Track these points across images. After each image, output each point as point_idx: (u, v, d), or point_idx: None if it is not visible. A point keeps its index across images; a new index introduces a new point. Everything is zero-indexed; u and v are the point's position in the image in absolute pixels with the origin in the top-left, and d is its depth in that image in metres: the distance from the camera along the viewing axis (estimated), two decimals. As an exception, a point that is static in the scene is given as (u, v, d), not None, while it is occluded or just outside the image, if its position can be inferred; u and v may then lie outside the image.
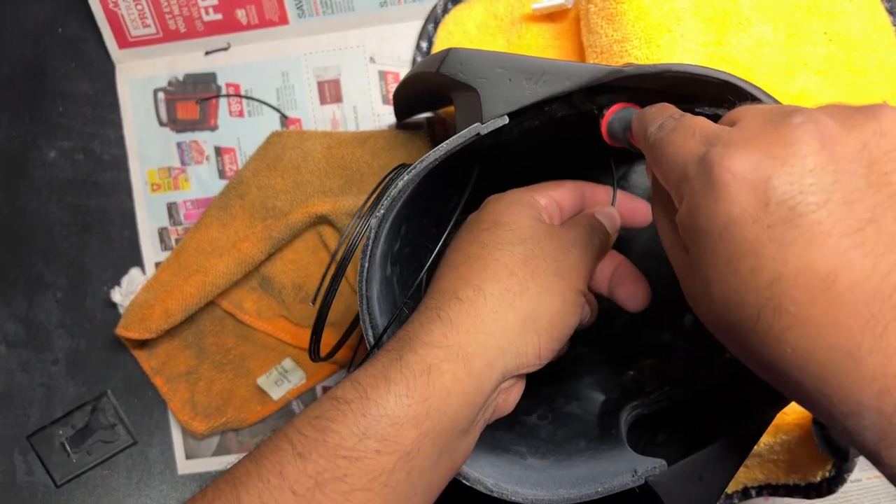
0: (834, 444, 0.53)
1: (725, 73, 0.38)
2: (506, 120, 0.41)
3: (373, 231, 0.41)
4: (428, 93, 0.55)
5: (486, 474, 0.39)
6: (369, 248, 0.41)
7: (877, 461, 0.25)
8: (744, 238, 0.26)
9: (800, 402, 0.27)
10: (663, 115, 0.34)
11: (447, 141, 0.41)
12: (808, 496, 0.60)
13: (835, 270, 0.24)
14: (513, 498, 0.39)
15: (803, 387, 0.26)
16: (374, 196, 0.43)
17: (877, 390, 0.23)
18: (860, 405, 0.24)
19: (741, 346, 0.28)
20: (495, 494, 0.39)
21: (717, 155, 0.28)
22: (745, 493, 0.63)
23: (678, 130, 0.32)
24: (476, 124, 0.41)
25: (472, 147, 0.42)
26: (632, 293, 0.44)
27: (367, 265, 0.41)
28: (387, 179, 0.43)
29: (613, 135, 0.41)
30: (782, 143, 0.27)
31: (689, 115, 0.33)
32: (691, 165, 0.29)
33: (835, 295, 0.24)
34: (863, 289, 0.24)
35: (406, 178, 0.41)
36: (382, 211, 0.41)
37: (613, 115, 0.40)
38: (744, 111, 0.30)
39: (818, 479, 0.59)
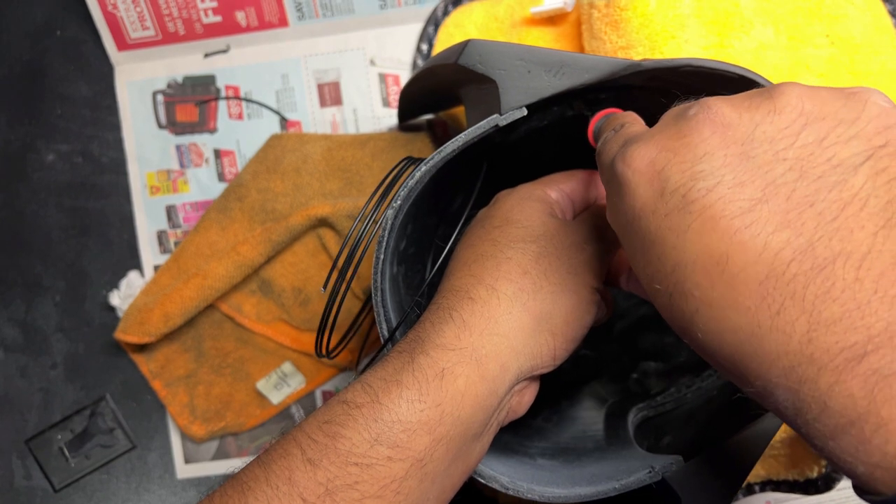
0: None
1: (743, 68, 0.38)
2: (524, 111, 0.41)
3: (389, 222, 0.41)
4: (436, 91, 0.55)
5: (500, 473, 0.39)
6: (385, 238, 0.41)
7: (801, 435, 0.25)
8: (647, 229, 0.27)
9: (733, 382, 0.28)
10: (609, 128, 0.36)
11: (465, 132, 0.40)
12: (807, 492, 0.60)
13: (727, 252, 0.25)
14: (528, 496, 0.39)
15: (724, 368, 0.26)
16: (382, 189, 0.42)
17: (783, 368, 0.23)
18: (771, 384, 0.24)
19: (675, 330, 0.29)
20: (511, 492, 0.39)
21: (621, 155, 0.29)
22: (749, 488, 0.63)
23: (612, 140, 0.33)
24: (494, 115, 0.41)
25: (479, 146, 0.42)
26: None
27: (382, 257, 0.41)
28: (394, 172, 0.43)
29: (598, 141, 0.41)
30: (678, 135, 0.28)
31: (628, 125, 0.34)
32: (609, 169, 0.31)
33: (730, 277, 0.24)
34: (756, 268, 0.24)
35: (424, 168, 0.40)
36: (399, 202, 0.41)
37: (596, 123, 0.40)
38: (665, 113, 0.31)
39: (815, 474, 0.59)
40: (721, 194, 0.25)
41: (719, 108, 0.27)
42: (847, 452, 0.22)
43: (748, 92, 0.28)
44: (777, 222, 0.24)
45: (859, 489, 0.23)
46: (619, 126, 0.35)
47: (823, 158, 0.25)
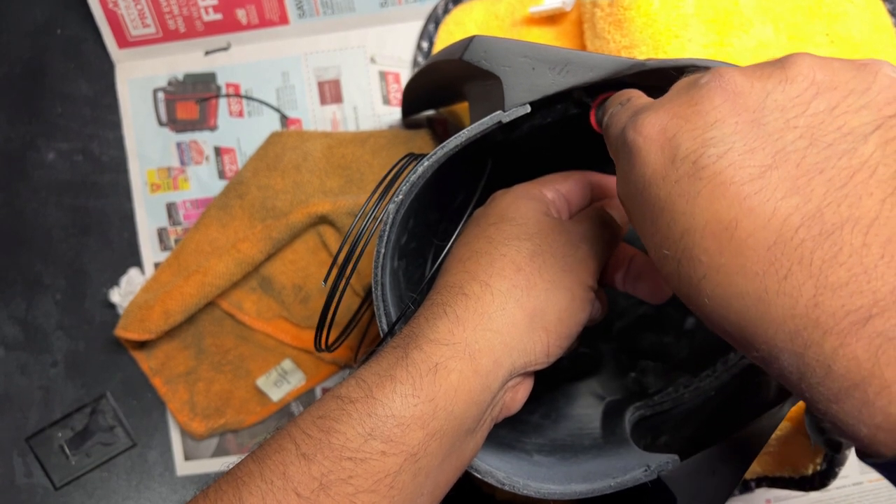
0: (826, 435, 0.53)
1: None
2: (528, 108, 0.41)
3: (391, 216, 0.41)
4: (440, 86, 0.55)
5: (496, 468, 0.39)
6: (386, 233, 0.41)
7: (806, 402, 0.25)
8: (657, 196, 0.28)
9: (737, 348, 0.28)
10: (616, 102, 0.35)
11: (468, 128, 0.40)
12: (802, 489, 0.60)
13: (736, 217, 0.25)
14: (524, 491, 0.39)
15: (729, 333, 0.27)
16: (384, 184, 0.42)
17: (788, 332, 0.24)
18: (776, 348, 0.24)
19: (681, 298, 0.29)
20: (507, 488, 0.39)
21: (632, 123, 0.29)
22: (745, 485, 0.63)
23: (620, 112, 0.33)
24: (498, 112, 0.41)
25: (481, 143, 0.42)
26: (654, 286, 0.44)
27: (383, 251, 0.41)
28: (398, 167, 0.43)
29: (601, 125, 0.41)
30: (690, 103, 0.28)
31: (635, 98, 0.34)
32: (619, 138, 0.31)
33: (739, 242, 0.25)
34: (764, 233, 0.24)
35: (426, 163, 0.40)
36: (401, 196, 0.41)
37: (598, 105, 0.40)
38: (676, 83, 0.31)
39: (810, 472, 0.59)
40: (731, 160, 0.25)
41: (731, 76, 0.27)
42: (850, 415, 0.23)
43: (759, 63, 0.28)
44: (786, 188, 0.24)
45: (861, 453, 0.23)
46: (626, 100, 0.35)
47: (834, 127, 0.25)
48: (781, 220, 0.24)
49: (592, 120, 0.40)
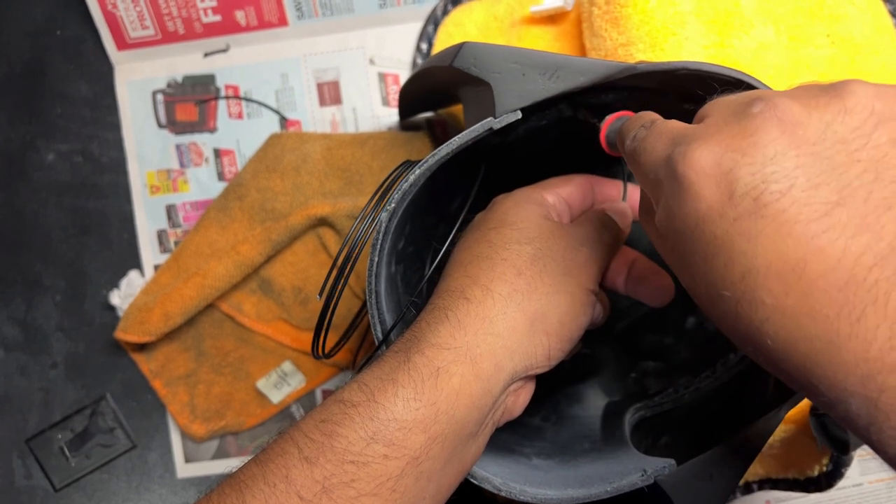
0: (833, 436, 0.53)
1: (739, 71, 0.38)
2: (519, 115, 0.40)
3: (383, 224, 0.41)
4: (435, 90, 0.55)
5: (494, 473, 0.39)
6: (379, 241, 0.41)
7: (872, 446, 0.24)
8: (713, 234, 0.26)
9: (796, 390, 0.27)
10: (637, 125, 0.34)
11: (459, 135, 0.40)
12: (807, 490, 0.60)
13: (804, 258, 0.24)
14: (521, 497, 0.39)
15: (791, 376, 0.26)
16: (381, 191, 0.42)
17: (860, 376, 0.23)
18: (846, 392, 0.23)
19: (734, 338, 0.28)
20: (503, 494, 0.39)
21: (680, 154, 0.28)
22: (747, 487, 0.63)
23: (649, 137, 0.32)
24: (489, 119, 0.40)
25: (477, 146, 0.42)
26: (656, 289, 0.44)
27: (376, 259, 0.41)
28: (393, 175, 0.43)
29: (612, 146, 0.41)
30: (743, 134, 0.26)
31: (660, 121, 0.33)
32: (661, 168, 0.29)
33: (807, 283, 0.24)
34: (835, 274, 0.23)
35: (418, 171, 0.40)
36: (393, 204, 0.40)
37: (609, 126, 0.40)
38: (711, 106, 0.30)
39: (815, 473, 0.59)
40: (795, 197, 0.24)
41: (787, 105, 0.26)
42: None
43: (810, 86, 0.27)
44: (856, 226, 0.23)
45: None
46: (650, 122, 0.33)
47: None
48: (853, 259, 0.23)
49: (602, 141, 0.40)
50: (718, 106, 0.29)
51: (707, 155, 0.27)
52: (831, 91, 0.26)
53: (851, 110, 0.25)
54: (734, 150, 0.26)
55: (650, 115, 0.35)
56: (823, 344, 0.24)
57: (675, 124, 0.31)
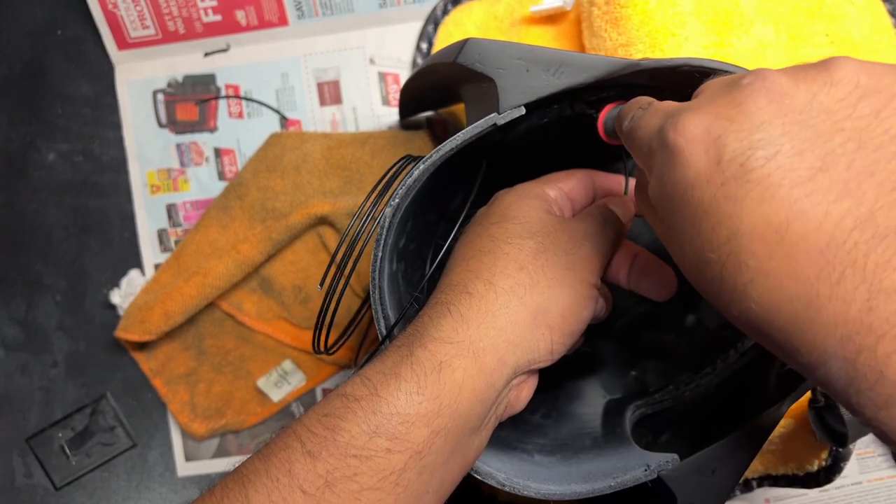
0: (831, 429, 0.53)
1: (741, 68, 0.38)
2: (523, 111, 0.41)
3: (387, 220, 0.41)
4: (437, 87, 0.55)
5: (497, 469, 0.39)
6: (383, 237, 0.41)
7: (850, 408, 0.25)
8: (701, 199, 0.27)
9: (778, 356, 0.28)
10: (635, 107, 0.35)
11: (463, 131, 0.40)
12: (806, 486, 0.60)
13: (787, 221, 0.24)
14: (525, 492, 0.39)
15: (774, 339, 0.26)
16: (381, 186, 0.42)
17: (839, 338, 0.24)
18: (826, 354, 0.24)
19: (719, 305, 0.28)
20: (507, 489, 0.39)
21: (671, 123, 0.29)
22: (747, 484, 0.63)
23: (645, 115, 0.33)
24: (493, 115, 0.40)
25: (479, 143, 0.42)
26: (659, 282, 0.44)
27: (380, 255, 0.41)
28: (394, 170, 0.43)
29: (609, 134, 0.41)
30: (732, 103, 0.27)
31: (656, 102, 0.34)
32: (654, 140, 0.30)
33: (789, 245, 0.24)
34: (817, 237, 0.24)
35: (422, 167, 0.40)
36: (397, 200, 0.41)
37: (606, 114, 0.40)
38: (706, 84, 0.31)
39: (815, 468, 0.59)
40: (780, 163, 0.25)
41: (775, 77, 0.27)
42: None
43: (800, 65, 0.28)
44: (838, 191, 0.24)
45: None
46: (647, 104, 0.34)
47: (881, 130, 0.25)
48: (834, 223, 0.24)
49: (600, 129, 0.40)
50: (712, 83, 0.31)
51: (697, 123, 0.28)
52: (819, 65, 0.27)
53: (838, 82, 0.26)
54: (723, 118, 0.27)
55: (647, 99, 0.36)
56: (804, 305, 0.24)
57: (670, 103, 0.32)
